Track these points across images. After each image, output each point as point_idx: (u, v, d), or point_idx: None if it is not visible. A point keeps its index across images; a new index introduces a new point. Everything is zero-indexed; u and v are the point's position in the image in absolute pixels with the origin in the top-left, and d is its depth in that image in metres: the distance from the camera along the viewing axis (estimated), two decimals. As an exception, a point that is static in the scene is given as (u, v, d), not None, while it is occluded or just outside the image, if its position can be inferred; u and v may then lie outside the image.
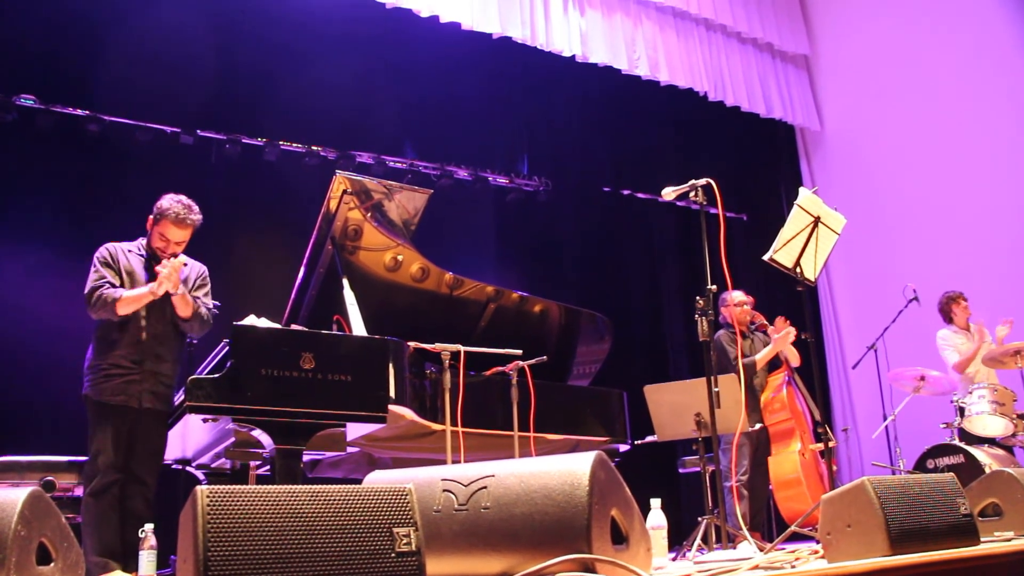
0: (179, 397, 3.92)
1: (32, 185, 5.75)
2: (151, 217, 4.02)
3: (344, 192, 4.16)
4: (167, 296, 3.86)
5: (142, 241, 4.08)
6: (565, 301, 5.39)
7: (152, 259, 4.00)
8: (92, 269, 3.91)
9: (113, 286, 3.84)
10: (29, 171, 5.83)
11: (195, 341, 4.18)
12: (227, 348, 3.42)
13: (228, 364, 3.35)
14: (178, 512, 1.80)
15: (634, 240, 8.54)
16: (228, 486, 1.74)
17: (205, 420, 3.45)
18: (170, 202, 3.99)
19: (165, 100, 6.27)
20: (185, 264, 4.02)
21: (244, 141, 6.67)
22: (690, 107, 8.45)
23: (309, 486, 1.81)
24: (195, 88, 6.34)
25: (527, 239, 7.97)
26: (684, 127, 8.75)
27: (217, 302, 4.25)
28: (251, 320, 3.66)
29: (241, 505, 1.72)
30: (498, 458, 4.29)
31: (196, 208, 4.04)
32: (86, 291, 3.86)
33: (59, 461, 4.20)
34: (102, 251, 3.98)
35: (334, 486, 1.83)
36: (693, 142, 8.81)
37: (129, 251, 4.03)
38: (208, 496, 1.70)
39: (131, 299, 3.82)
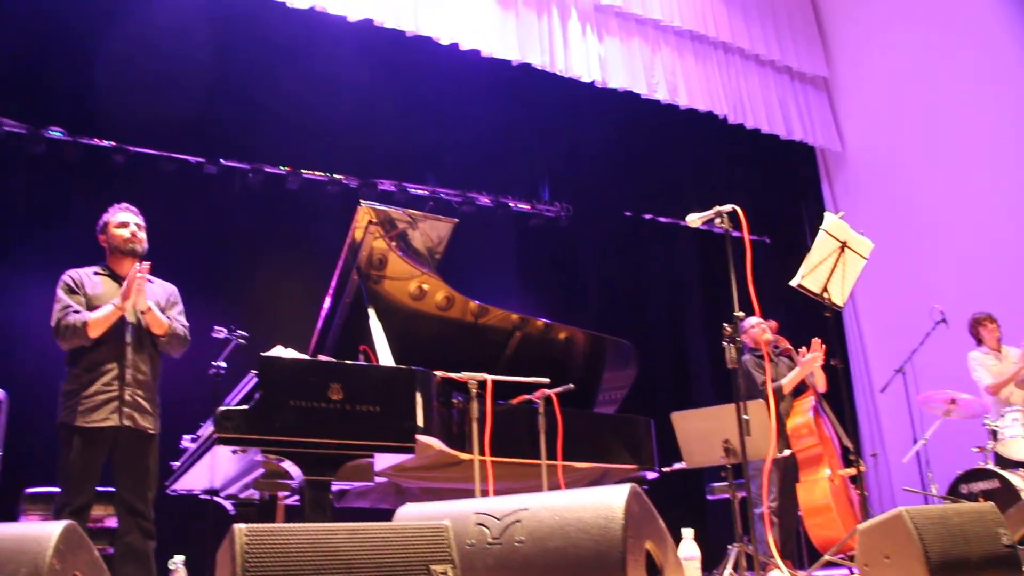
0: (207, 428, 3.92)
1: (62, 215, 5.84)
2: (101, 234, 4.03)
3: (369, 222, 4.17)
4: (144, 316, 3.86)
5: (101, 264, 4.04)
6: (587, 327, 5.37)
7: (117, 277, 3.95)
8: (55, 300, 3.84)
9: (78, 312, 3.78)
10: (59, 201, 5.92)
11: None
12: (255, 380, 3.42)
13: (256, 395, 3.35)
14: (206, 542, 1.80)
15: (656, 264, 8.53)
16: (266, 524, 1.74)
17: (234, 451, 3.44)
18: (109, 209, 4.06)
19: (189, 130, 6.35)
20: (150, 281, 3.99)
21: (267, 170, 6.73)
22: (710, 130, 8.46)
23: (346, 524, 1.81)
24: (219, 118, 6.43)
25: (549, 265, 7.98)
26: (704, 150, 8.75)
27: (245, 332, 4.27)
28: (278, 351, 3.66)
29: (279, 543, 1.72)
30: (526, 487, 4.28)
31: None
32: (52, 324, 3.79)
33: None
34: (64, 278, 3.91)
35: (371, 524, 1.83)
36: (714, 165, 8.82)
37: (95, 273, 3.98)
38: (246, 535, 1.70)
39: (100, 320, 3.77)
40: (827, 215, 4.28)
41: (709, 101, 8.16)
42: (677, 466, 5.03)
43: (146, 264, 3.88)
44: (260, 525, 1.73)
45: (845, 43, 9.30)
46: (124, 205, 4.07)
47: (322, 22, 6.48)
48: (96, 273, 3.99)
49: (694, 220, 4.04)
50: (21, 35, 5.86)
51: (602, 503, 2.18)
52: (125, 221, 4.01)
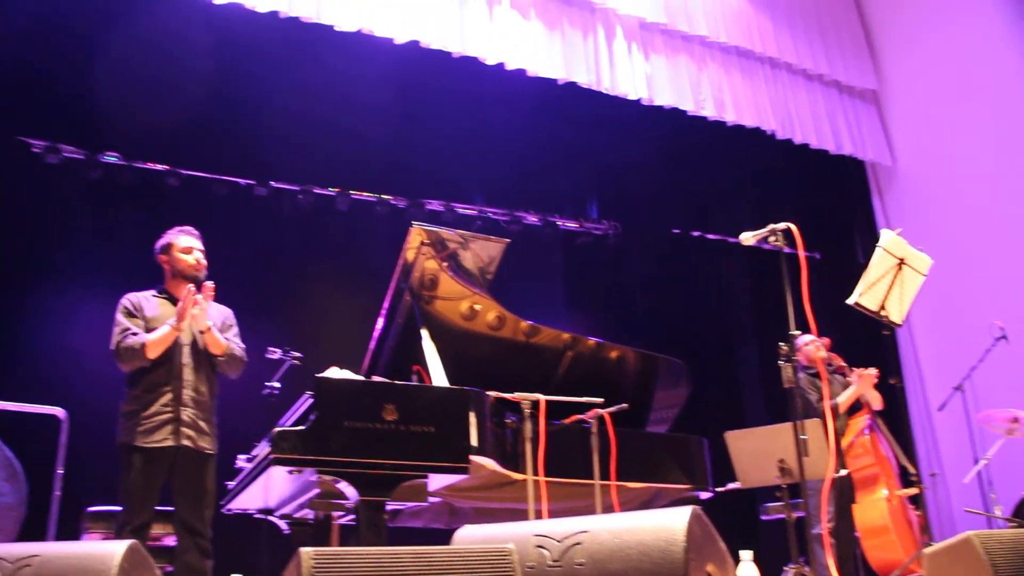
0: (262, 448, 3.96)
1: (118, 238, 5.99)
2: (162, 256, 4.08)
3: (421, 243, 4.20)
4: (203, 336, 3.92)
5: (159, 287, 4.10)
6: (637, 345, 5.33)
7: (175, 300, 3.98)
8: (115, 323, 3.91)
9: (136, 334, 3.85)
10: (115, 225, 6.07)
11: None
12: (310, 400, 3.46)
13: (312, 416, 3.38)
14: (261, 561, 1.81)
15: (705, 282, 8.46)
16: (331, 548, 1.75)
17: (290, 472, 3.47)
18: (167, 233, 4.10)
19: (240, 153, 6.48)
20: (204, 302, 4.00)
21: (316, 191, 6.82)
22: (758, 146, 8.37)
23: (411, 548, 1.81)
24: (268, 141, 6.53)
25: (597, 283, 7.96)
26: (753, 166, 8.67)
27: (298, 353, 4.33)
28: (333, 372, 3.69)
29: (344, 567, 1.73)
30: (579, 507, 4.26)
31: None
32: (112, 346, 3.86)
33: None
34: (124, 302, 3.98)
35: (435, 547, 1.83)
36: (762, 181, 8.73)
37: (153, 296, 4.05)
38: (312, 558, 1.71)
39: (157, 341, 3.83)
40: (884, 232, 4.21)
41: (756, 117, 8.08)
42: (731, 486, 4.96)
43: (210, 284, 3.94)
44: (325, 548, 1.74)
45: (894, 55, 9.14)
46: (188, 229, 4.12)
47: (369, 44, 6.56)
48: (154, 296, 4.06)
49: (747, 239, 3.99)
50: (80, 65, 6.02)
51: (663, 526, 2.16)
52: (190, 247, 4.07)
